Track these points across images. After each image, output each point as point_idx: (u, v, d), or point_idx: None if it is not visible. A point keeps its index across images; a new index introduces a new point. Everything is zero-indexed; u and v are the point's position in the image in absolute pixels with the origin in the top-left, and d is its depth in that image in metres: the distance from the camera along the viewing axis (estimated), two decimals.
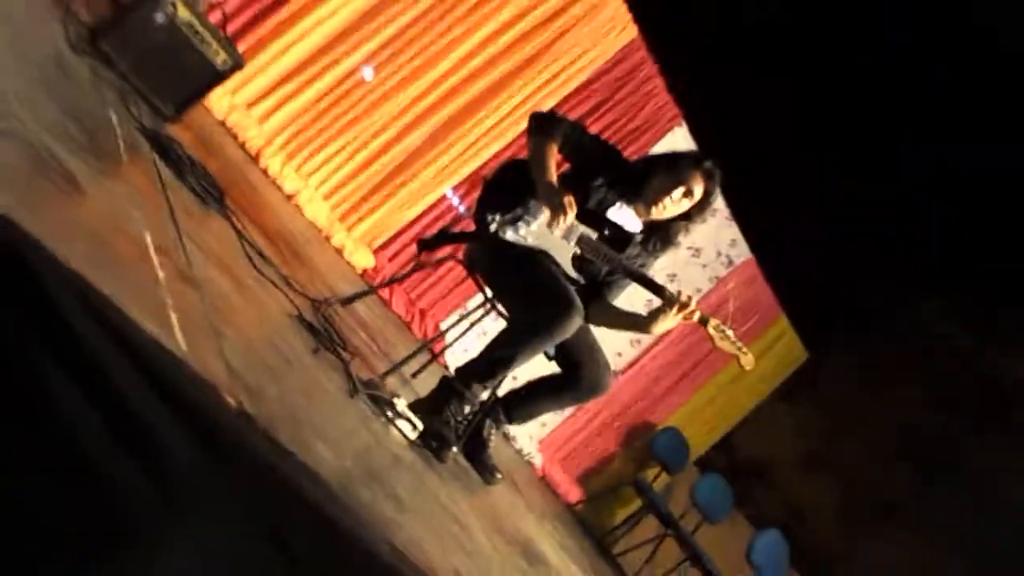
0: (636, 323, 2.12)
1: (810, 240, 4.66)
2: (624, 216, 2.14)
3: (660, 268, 4.37)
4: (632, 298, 2.30)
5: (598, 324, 2.20)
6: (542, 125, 2.08)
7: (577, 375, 2.15)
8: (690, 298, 1.99)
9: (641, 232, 2.15)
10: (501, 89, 3.75)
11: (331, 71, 3.45)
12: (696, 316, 2.00)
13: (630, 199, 2.12)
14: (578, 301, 1.94)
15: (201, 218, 1.53)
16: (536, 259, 2.03)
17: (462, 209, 3.91)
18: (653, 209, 2.10)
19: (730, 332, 2.03)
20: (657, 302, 2.04)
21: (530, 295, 1.98)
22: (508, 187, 2.07)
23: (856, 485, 4.61)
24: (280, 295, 1.63)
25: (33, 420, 0.51)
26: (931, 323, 4.76)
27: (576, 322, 1.89)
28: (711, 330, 2.04)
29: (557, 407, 2.27)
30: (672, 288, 2.05)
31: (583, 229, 2.06)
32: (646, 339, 4.71)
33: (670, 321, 2.00)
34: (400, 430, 1.67)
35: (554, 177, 2.00)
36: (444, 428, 1.86)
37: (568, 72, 3.84)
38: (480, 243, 2.12)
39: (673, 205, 2.08)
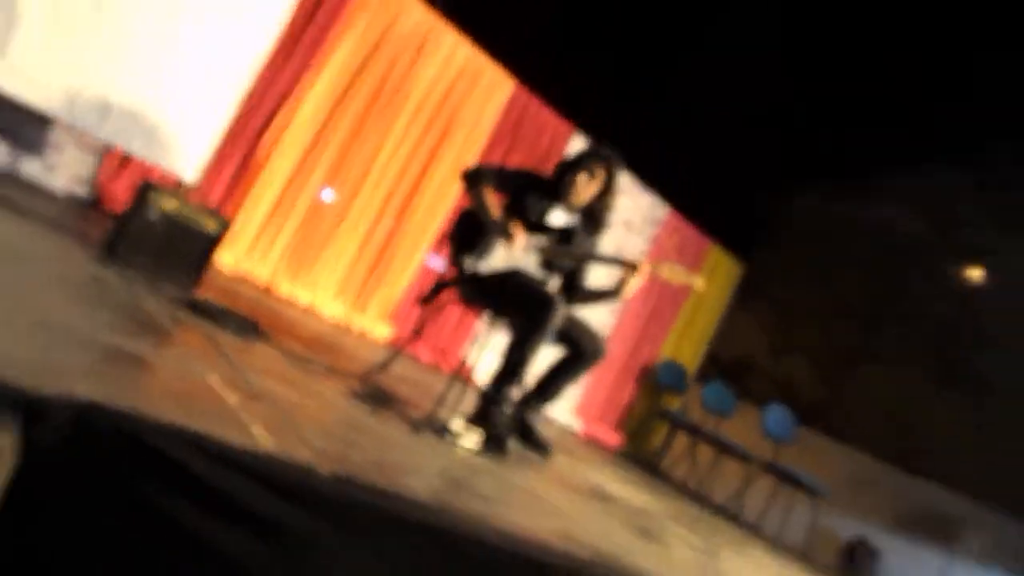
0: (609, 296, 2.18)
1: (709, 178, 4.77)
2: (559, 217, 2.21)
3: (608, 247, 4.54)
4: (600, 277, 2.34)
5: (580, 304, 2.26)
6: (472, 179, 2.16)
7: (579, 350, 2.19)
8: (642, 260, 2.09)
9: (578, 223, 2.22)
10: (431, 164, 3.82)
11: (300, 201, 3.49)
12: (649, 269, 2.07)
13: (557, 201, 2.20)
14: (556, 296, 1.98)
15: (247, 348, 1.52)
16: (511, 276, 2.08)
17: (440, 264, 3.93)
18: (572, 199, 2.17)
19: (678, 268, 2.12)
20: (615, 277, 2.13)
21: (518, 304, 2.02)
22: (466, 233, 2.14)
23: (821, 349, 4.65)
24: (330, 382, 1.62)
25: (187, 554, 0.52)
26: (821, 208, 4.96)
27: (560, 312, 1.92)
28: (664, 273, 2.12)
29: (574, 379, 2.29)
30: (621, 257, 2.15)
31: (536, 240, 2.13)
32: (620, 305, 4.73)
33: (634, 282, 2.07)
34: (464, 445, 1.66)
35: (497, 212, 2.08)
36: (496, 429, 1.87)
37: (476, 134, 3.93)
38: (465, 281, 2.17)
39: (584, 190, 2.15)
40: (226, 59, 2.96)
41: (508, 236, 2.03)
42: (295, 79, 3.38)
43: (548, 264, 2.18)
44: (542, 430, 2.32)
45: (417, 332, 2.47)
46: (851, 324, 4.51)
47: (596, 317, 4.52)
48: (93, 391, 0.67)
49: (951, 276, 4.18)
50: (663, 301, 5.06)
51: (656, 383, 4.99)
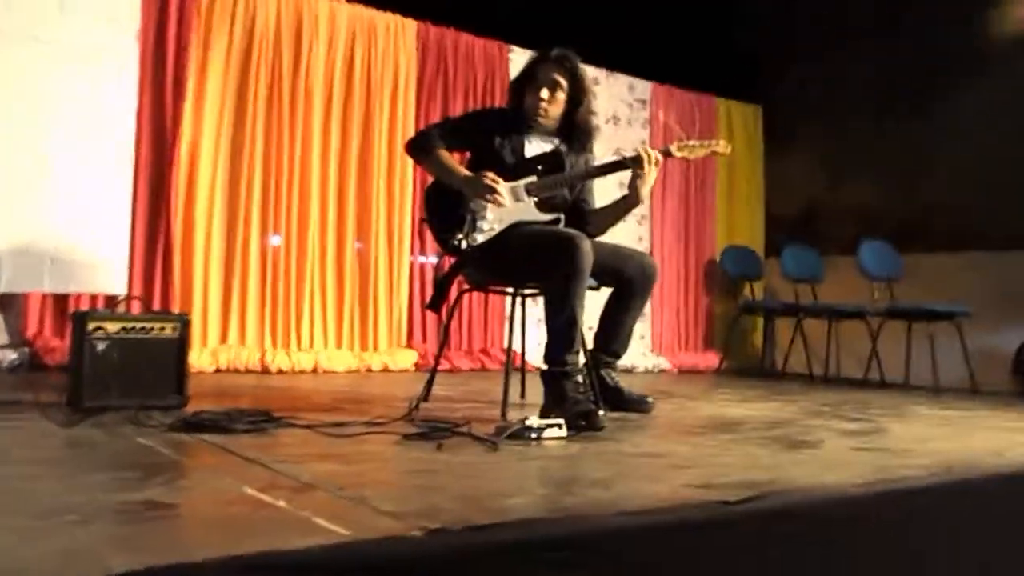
0: (627, 202, 2.24)
1: (672, 33, 4.69)
2: (538, 146, 2.26)
3: (604, 153, 4.49)
4: (608, 191, 2.42)
5: (603, 230, 2.32)
6: (420, 146, 2.23)
7: (625, 279, 2.26)
8: (643, 149, 2.16)
9: (562, 143, 2.27)
10: (371, 151, 3.81)
11: (250, 258, 3.49)
12: (659, 156, 2.14)
13: (527, 131, 2.25)
14: (573, 232, 2.04)
15: (270, 443, 1.52)
16: (515, 234, 2.11)
17: (431, 259, 3.95)
18: (543, 121, 2.23)
19: (691, 141, 2.20)
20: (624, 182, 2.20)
21: (536, 260, 2.04)
22: (443, 210, 2.18)
23: (882, 160, 4.59)
24: (377, 437, 1.62)
25: None
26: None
27: (585, 246, 1.96)
28: (677, 152, 2.19)
29: (636, 313, 2.36)
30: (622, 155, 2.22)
31: (522, 181, 2.16)
32: (644, 211, 4.72)
33: (648, 176, 2.14)
34: (552, 437, 1.66)
35: (464, 171, 2.15)
36: (577, 406, 1.89)
37: (403, 94, 3.90)
38: (467, 263, 2.21)
39: (551, 105, 2.22)
40: (102, 145, 3.05)
41: (489, 191, 2.07)
42: (176, 120, 3.33)
43: (549, 203, 2.21)
44: (629, 385, 2.35)
45: (444, 342, 2.51)
46: (902, 117, 4.45)
47: (628, 237, 4.52)
48: (128, 562, 0.66)
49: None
50: (693, 186, 5.05)
51: (727, 278, 5.00)
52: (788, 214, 5.16)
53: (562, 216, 2.20)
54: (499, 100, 4.04)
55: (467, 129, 2.27)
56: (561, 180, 2.18)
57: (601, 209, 2.35)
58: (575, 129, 2.26)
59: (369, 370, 3.65)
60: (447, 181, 2.17)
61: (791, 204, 5.13)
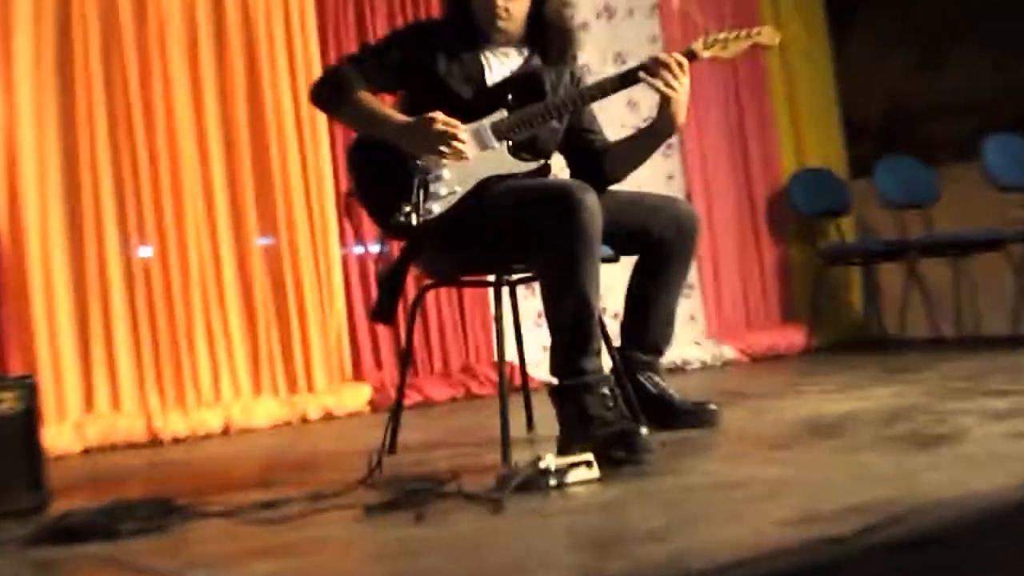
0: (655, 131, 2.31)
1: None
2: (501, 66, 2.33)
3: (600, 62, 4.53)
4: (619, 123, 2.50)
5: (625, 174, 2.41)
6: (330, 91, 2.30)
7: (655, 240, 2.32)
8: (663, 55, 2.20)
9: (534, 56, 2.35)
10: (258, 100, 3.84)
11: (110, 284, 3.49)
12: (684, 61, 2.20)
13: (482, 44, 2.32)
14: (568, 181, 2.14)
15: (176, 543, 1.53)
16: (486, 196, 2.17)
17: (371, 248, 3.97)
18: (502, 26, 2.29)
19: (722, 34, 2.27)
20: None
21: (522, 229, 2.09)
22: (378, 175, 2.25)
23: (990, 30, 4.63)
24: (331, 514, 1.63)
25: None
26: None
27: (589, 200, 2.01)
28: (707, 52, 2.26)
29: (678, 288, 2.40)
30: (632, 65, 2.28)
31: (488, 120, 2.22)
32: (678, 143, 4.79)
33: (679, 91, 2.20)
34: (579, 481, 1.68)
35: (399, 116, 2.21)
36: (609, 428, 1.93)
37: (297, 18, 3.93)
38: (425, 247, 2.26)
39: (511, 2, 2.27)
40: None
41: (443, 139, 2.12)
42: None
43: (530, 145, 2.27)
44: (680, 390, 2.42)
45: (407, 365, 2.52)
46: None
47: (652, 177, 4.55)
48: None
49: None
50: (738, 96, 5.09)
51: (802, 217, 5.06)
52: (874, 116, 5.21)
53: (549, 163, 2.26)
54: (436, 11, 4.06)
55: (395, 56, 2.31)
56: (544, 110, 2.22)
57: (618, 144, 2.42)
58: (548, 33, 2.31)
59: (305, 420, 3.67)
60: (377, 135, 2.21)
61: (877, 102, 5.16)
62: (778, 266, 5.10)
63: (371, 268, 3.95)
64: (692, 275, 4.63)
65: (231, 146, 3.77)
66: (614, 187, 2.39)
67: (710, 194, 4.89)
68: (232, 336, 3.70)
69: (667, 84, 2.17)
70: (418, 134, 2.13)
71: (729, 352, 4.67)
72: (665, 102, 2.20)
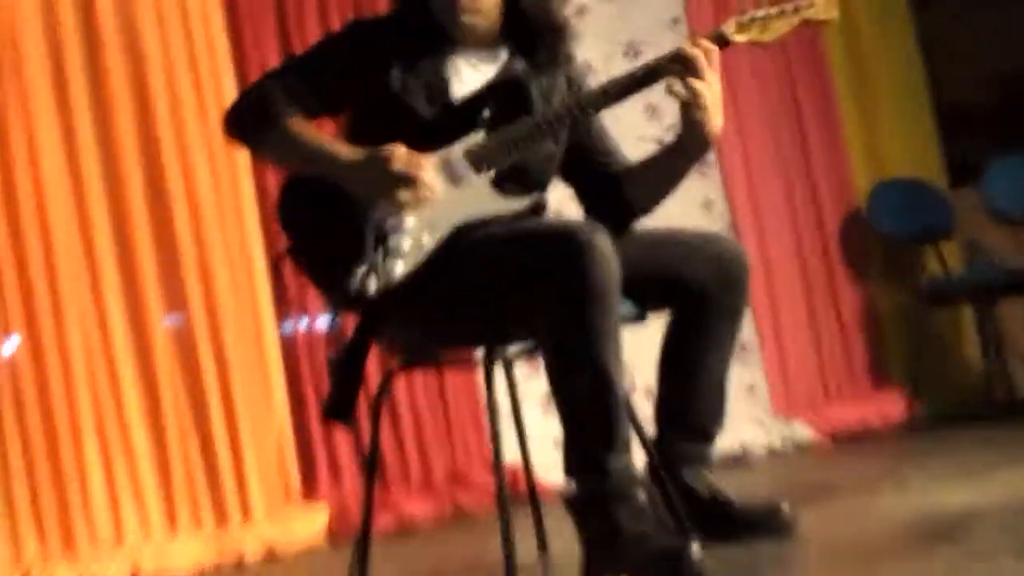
0: (681, 148, 2.33)
1: None
2: (473, 72, 2.37)
3: (608, 61, 4.60)
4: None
5: (649, 206, 2.45)
6: (254, 119, 2.33)
7: (692, 290, 2.33)
8: (689, 43, 2.23)
9: (515, 58, 2.38)
10: (152, 136, 3.88)
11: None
12: (713, 50, 2.22)
13: (448, 48, 2.35)
14: (571, 223, 2.15)
15: None
16: (465, 247, 2.19)
17: (319, 323, 3.99)
18: (469, 20, 2.32)
19: (761, 11, 2.29)
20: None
21: (516, 288, 2.11)
22: (321, 228, 2.28)
23: None
24: None
25: None
26: None
27: (601, 244, 2.02)
28: (742, 36, 2.29)
29: (728, 350, 2.41)
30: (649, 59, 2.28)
31: (459, 145, 2.24)
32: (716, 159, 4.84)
33: (707, 92, 2.20)
34: None
35: (343, 149, 2.24)
36: (649, 545, 1.94)
37: (199, 25, 4.00)
38: (389, 320, 2.27)
39: (463, 2, 2.29)
40: None
41: (402, 178, 2.15)
42: None
43: (518, 177, 2.29)
44: (741, 489, 2.41)
45: (372, 476, 2.49)
46: None
47: (683, 205, 4.57)
48: None
49: None
50: (792, 90, 5.14)
51: (889, 245, 5.07)
52: (979, 101, 5.22)
53: (545, 197, 2.29)
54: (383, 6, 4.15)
55: (334, 68, 2.34)
56: (533, 127, 2.23)
57: (640, 166, 2.44)
58: (532, 27, 2.34)
59: (241, 562, 3.64)
60: (317, 174, 2.24)
61: (982, 81, 5.18)
62: (862, 312, 5.11)
63: (320, 350, 3.95)
64: (746, 331, 4.57)
65: (119, 202, 3.80)
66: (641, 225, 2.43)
67: (762, 223, 4.93)
68: (135, 452, 3.67)
69: (691, 86, 2.19)
70: (370, 173, 2.15)
71: (803, 432, 4.65)
72: (691, 108, 2.20)
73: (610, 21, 4.80)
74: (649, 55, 4.65)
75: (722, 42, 2.24)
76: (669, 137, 2.43)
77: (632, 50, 4.80)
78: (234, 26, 4.05)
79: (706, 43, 2.21)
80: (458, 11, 2.27)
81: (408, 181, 2.12)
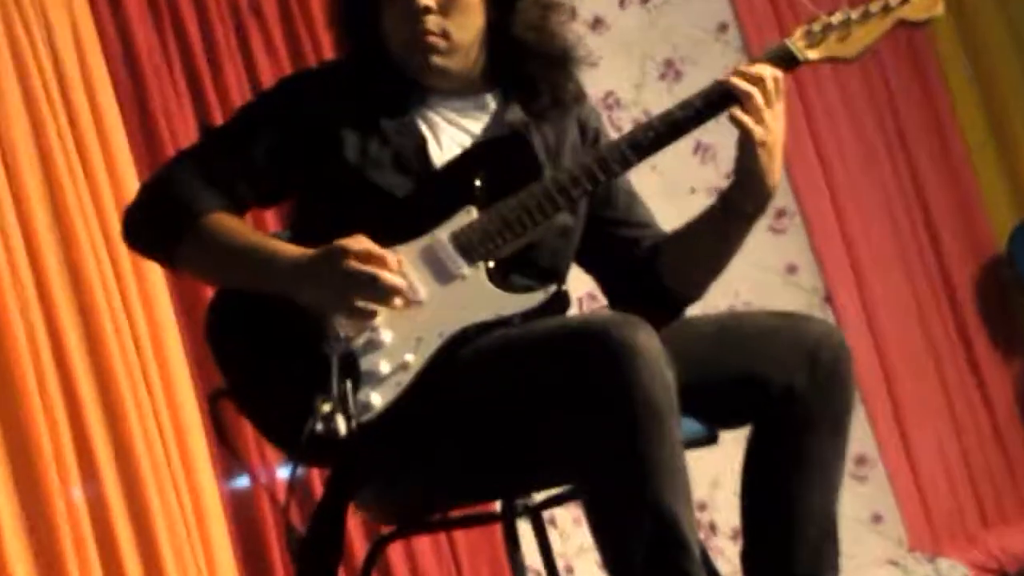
0: (735, 202, 2.33)
1: None
2: (455, 129, 2.40)
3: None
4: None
5: (700, 285, 2.47)
6: (165, 218, 2.34)
7: (775, 394, 2.30)
8: (740, 71, 2.25)
9: (508, 106, 2.41)
10: (32, 238, 3.92)
11: None
12: (776, 72, 2.25)
13: (416, 100, 2.40)
14: (604, 316, 2.16)
15: None
16: (463, 363, 2.20)
17: (277, 474, 4.00)
18: (439, 61, 2.35)
19: (837, 15, 2.30)
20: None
21: (537, 413, 2.10)
22: (266, 355, 2.29)
23: None
24: None
25: None
26: None
27: (644, 342, 2.02)
28: (815, 52, 2.32)
29: (834, 479, 2.37)
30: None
31: (443, 231, 2.26)
32: (782, 198, 4.83)
33: (769, 127, 2.21)
34: None
35: (289, 249, 2.26)
36: None
37: (78, 86, 4.08)
38: (366, 474, 2.28)
39: (451, 12, 2.32)
40: None
41: (368, 283, 2.15)
42: None
43: (525, 264, 2.32)
44: None
45: None
46: None
47: (764, 280, 4.62)
48: None
49: None
50: (892, 108, 5.20)
51: None
52: None
53: (565, 288, 2.29)
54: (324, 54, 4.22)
55: (267, 140, 2.36)
56: (541, 197, 2.25)
57: (682, 235, 2.45)
58: (528, 61, 2.38)
59: None
60: (255, 285, 2.26)
61: None
62: (1018, 396, 5.12)
63: (279, 518, 3.96)
64: (860, 441, 4.62)
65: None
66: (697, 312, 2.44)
67: (866, 289, 4.96)
68: None
69: (743, 125, 2.20)
70: (325, 277, 2.14)
71: (956, 573, 4.65)
72: (748, 150, 2.22)
73: (637, 34, 4.88)
74: (693, 76, 4.74)
75: (788, 61, 2.28)
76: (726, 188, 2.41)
77: (671, 70, 4.88)
78: (130, 91, 4.14)
79: (763, 68, 2.24)
80: (426, 50, 2.31)
81: (367, 286, 2.13)
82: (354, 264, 2.12)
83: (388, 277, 2.13)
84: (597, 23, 4.73)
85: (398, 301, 2.16)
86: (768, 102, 2.21)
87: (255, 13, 4.38)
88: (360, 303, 2.14)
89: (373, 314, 2.16)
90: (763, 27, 4.92)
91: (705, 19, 5.05)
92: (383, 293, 2.14)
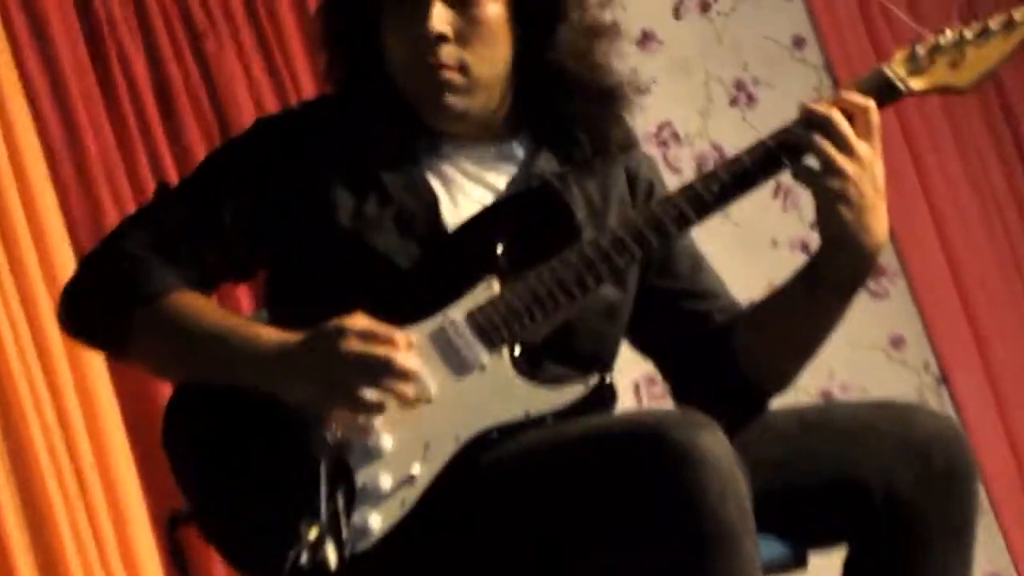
0: (827, 271, 2.29)
1: None
2: (470, 186, 2.41)
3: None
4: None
5: (787, 373, 2.48)
6: (113, 298, 2.34)
7: (877, 505, 2.28)
8: (824, 103, 2.22)
9: (537, 154, 2.43)
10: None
11: None
12: (867, 102, 2.21)
13: (425, 148, 2.41)
14: (656, 411, 2.21)
15: None
16: (486, 474, 2.19)
17: None
18: (454, 101, 2.34)
19: (947, 34, 2.30)
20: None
21: (578, 534, 2.10)
22: (236, 468, 2.29)
23: None
24: None
25: None
26: None
27: (710, 444, 2.00)
28: (921, 81, 2.29)
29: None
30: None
31: (457, 310, 2.25)
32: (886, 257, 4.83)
33: (865, 169, 2.17)
34: None
35: (268, 332, 2.27)
36: None
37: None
38: None
39: (471, 43, 2.32)
40: None
41: (367, 370, 2.12)
42: None
43: (560, 348, 2.32)
44: None
45: None
46: None
47: (864, 357, 4.59)
48: None
49: None
50: (1018, 145, 5.22)
51: None
52: None
53: (608, 379, 2.24)
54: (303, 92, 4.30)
55: (236, 200, 2.36)
56: (579, 267, 2.23)
57: (763, 310, 2.44)
58: (565, 99, 2.39)
59: None
60: (223, 376, 2.25)
61: None
62: None
63: None
64: (989, 561, 4.61)
65: None
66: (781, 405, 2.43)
67: (991, 368, 4.99)
68: None
69: (833, 169, 2.15)
70: (312, 367, 2.13)
71: None
72: (834, 205, 2.18)
73: (698, 50, 4.93)
74: (771, 100, 4.76)
75: (886, 92, 2.26)
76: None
77: (742, 93, 4.93)
78: (61, 138, 4.20)
79: (856, 97, 2.22)
80: (440, 87, 2.32)
81: (377, 371, 2.10)
82: (357, 346, 2.11)
83: (402, 360, 2.12)
84: (646, 38, 4.76)
85: (411, 390, 2.14)
86: (864, 132, 2.18)
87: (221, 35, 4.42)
88: (367, 394, 2.11)
89: (380, 408, 2.14)
90: (847, 40, 4.92)
91: (779, 31, 5.09)
92: (395, 380, 2.12)
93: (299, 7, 4.47)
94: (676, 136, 4.49)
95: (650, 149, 4.27)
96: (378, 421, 2.16)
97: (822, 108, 2.18)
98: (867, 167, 2.17)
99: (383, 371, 2.10)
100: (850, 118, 2.18)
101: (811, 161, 2.20)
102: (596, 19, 2.40)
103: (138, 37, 4.35)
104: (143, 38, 4.35)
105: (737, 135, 4.58)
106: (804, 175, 2.19)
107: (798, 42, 5.04)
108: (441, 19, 2.29)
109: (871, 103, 2.20)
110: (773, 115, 4.36)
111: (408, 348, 2.13)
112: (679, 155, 4.49)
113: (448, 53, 2.30)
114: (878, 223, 2.19)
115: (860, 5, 5.03)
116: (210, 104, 4.34)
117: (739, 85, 4.87)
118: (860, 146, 2.16)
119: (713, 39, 4.93)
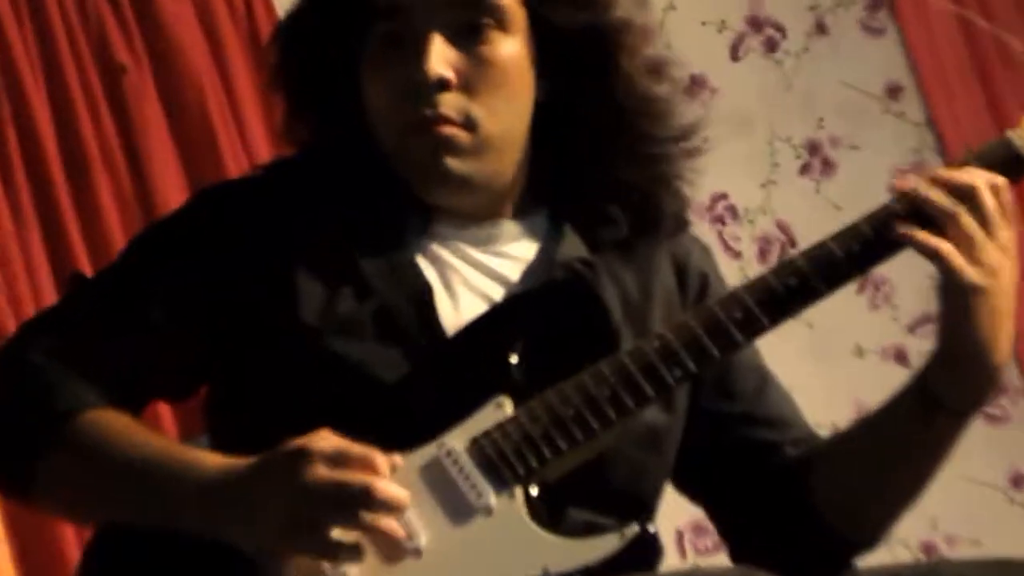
0: (934, 385, 2.27)
1: None
2: (475, 277, 2.41)
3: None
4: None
5: (878, 524, 2.46)
6: (13, 424, 2.30)
7: None
8: (943, 171, 2.23)
9: (561, 236, 2.42)
10: None
11: None
12: (995, 180, 2.19)
13: (413, 228, 2.40)
14: (714, 572, 2.28)
15: None
16: None
17: None
18: (455, 165, 2.32)
19: None
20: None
21: None
22: None
23: None
24: None
25: None
26: None
27: None
28: None
29: None
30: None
31: (457, 440, 2.22)
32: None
33: (993, 262, 2.14)
34: None
35: (212, 459, 2.23)
36: None
37: None
38: None
39: (484, 89, 2.32)
40: None
41: (334, 504, 2.05)
42: None
43: (589, 490, 2.29)
44: None
45: None
46: None
47: (977, 504, 4.62)
48: None
49: None
50: None
51: None
52: None
53: (650, 527, 2.19)
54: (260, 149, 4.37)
55: (178, 290, 2.35)
56: (613, 384, 2.21)
57: (849, 443, 2.45)
58: (608, 165, 2.38)
59: None
60: (155, 516, 2.22)
61: None
62: None
63: None
64: None
65: None
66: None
67: None
68: None
69: (947, 266, 2.12)
70: (274, 497, 2.07)
71: None
72: (957, 305, 2.17)
73: (760, 101, 4.97)
74: (853, 167, 4.84)
75: (1014, 165, 2.25)
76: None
77: (817, 159, 4.97)
78: None
79: (974, 174, 2.20)
80: (437, 148, 2.31)
81: (352, 505, 2.02)
82: (325, 472, 2.02)
83: (383, 488, 2.02)
84: (696, 85, 4.76)
85: (398, 528, 2.06)
86: (987, 228, 2.14)
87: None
88: (338, 535, 2.04)
89: (356, 554, 2.06)
90: (955, 91, 4.94)
91: (865, 77, 5.09)
92: (376, 515, 2.03)
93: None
94: (733, 211, 4.50)
95: (701, 228, 4.23)
96: (353, 571, 2.10)
97: (964, 176, 2.16)
98: (1011, 257, 2.16)
99: (360, 504, 2.01)
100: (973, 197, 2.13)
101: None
102: (653, 57, 2.38)
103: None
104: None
105: (809, 210, 4.59)
106: (933, 260, 2.12)
107: (892, 91, 5.03)
108: (442, 59, 2.27)
109: (999, 180, 2.18)
110: (857, 185, 4.39)
111: (390, 471, 2.04)
112: (737, 234, 4.49)
113: (450, 103, 2.28)
114: (1007, 327, 2.18)
115: (968, 42, 5.05)
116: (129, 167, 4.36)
117: (812, 147, 4.87)
118: (1004, 231, 2.15)
119: (780, 86, 4.93)
